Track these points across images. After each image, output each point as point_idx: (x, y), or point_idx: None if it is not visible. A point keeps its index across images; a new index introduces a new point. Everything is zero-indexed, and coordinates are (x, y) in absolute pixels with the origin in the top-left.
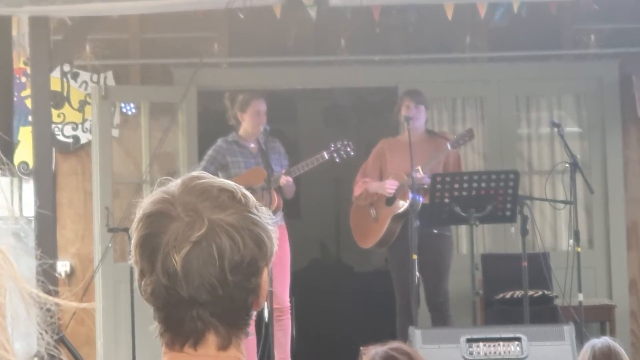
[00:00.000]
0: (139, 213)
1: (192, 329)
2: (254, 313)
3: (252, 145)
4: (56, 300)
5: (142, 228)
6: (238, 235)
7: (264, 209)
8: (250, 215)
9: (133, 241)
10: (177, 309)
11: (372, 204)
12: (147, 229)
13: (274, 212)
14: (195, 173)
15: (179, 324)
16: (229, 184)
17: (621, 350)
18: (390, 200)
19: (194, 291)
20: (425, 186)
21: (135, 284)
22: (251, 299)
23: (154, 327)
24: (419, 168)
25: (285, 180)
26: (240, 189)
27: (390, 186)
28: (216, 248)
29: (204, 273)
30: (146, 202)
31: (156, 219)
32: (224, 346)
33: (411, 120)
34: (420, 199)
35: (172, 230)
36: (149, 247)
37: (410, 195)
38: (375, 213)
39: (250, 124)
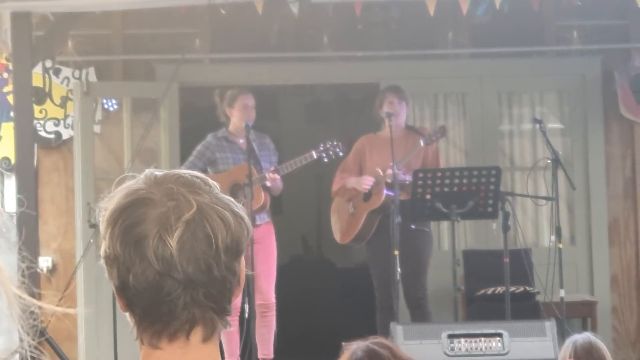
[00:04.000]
0: (108, 210)
1: (186, 318)
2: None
3: (242, 141)
4: (39, 303)
5: (121, 221)
6: (226, 213)
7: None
8: (224, 197)
9: (110, 236)
10: (169, 297)
11: (350, 200)
12: (127, 220)
13: (261, 210)
14: (153, 170)
15: (169, 315)
16: (197, 172)
17: (602, 346)
18: (367, 196)
19: (191, 273)
20: (407, 182)
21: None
22: (235, 285)
23: (131, 329)
24: (396, 164)
25: (272, 178)
26: (208, 178)
27: (366, 182)
28: (210, 227)
29: (199, 253)
30: (114, 199)
31: (135, 209)
32: (208, 337)
33: (393, 116)
34: (395, 196)
35: (157, 215)
36: (134, 237)
37: (384, 191)
38: (353, 208)
39: (238, 118)
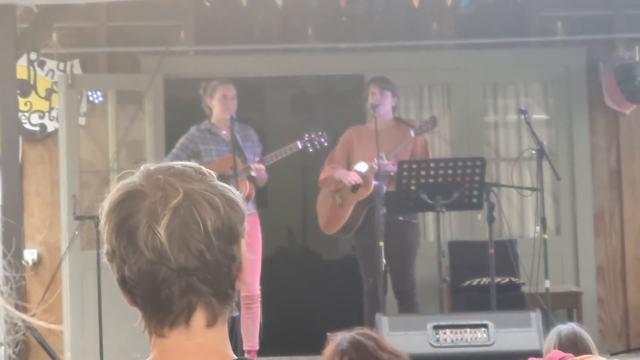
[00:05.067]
0: (105, 207)
1: (184, 304)
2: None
3: (225, 132)
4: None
5: (114, 215)
6: (215, 198)
7: (232, 188)
8: (218, 184)
9: (106, 231)
10: (165, 284)
11: (337, 191)
12: (120, 214)
13: (246, 201)
14: (149, 164)
15: (168, 302)
16: (191, 162)
17: (587, 336)
18: (355, 187)
19: (183, 260)
20: (392, 173)
21: (103, 272)
22: (235, 270)
23: (139, 322)
24: (383, 155)
25: (257, 169)
26: (203, 167)
27: (352, 178)
28: (197, 212)
29: (189, 239)
30: (109, 196)
31: (127, 202)
32: (212, 322)
33: (377, 107)
34: (384, 186)
35: (146, 206)
36: (127, 230)
37: (373, 182)
38: (340, 199)
39: (218, 108)
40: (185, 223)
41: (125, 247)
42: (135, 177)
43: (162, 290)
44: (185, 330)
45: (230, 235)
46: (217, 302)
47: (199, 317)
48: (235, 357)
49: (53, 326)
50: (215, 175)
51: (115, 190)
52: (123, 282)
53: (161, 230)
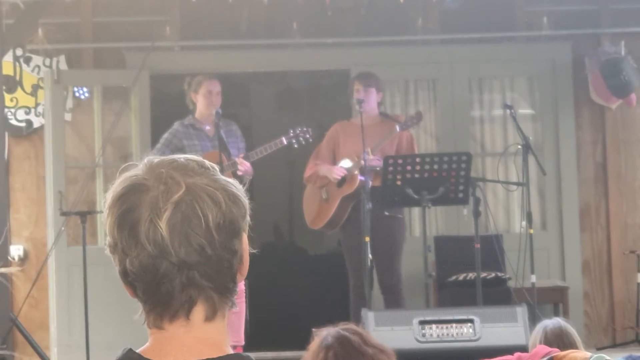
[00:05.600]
0: (108, 200)
1: (184, 299)
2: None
3: (208, 127)
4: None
5: (117, 208)
6: (217, 193)
7: (235, 181)
8: (221, 178)
9: (108, 224)
10: (166, 278)
11: (323, 186)
12: (122, 207)
13: None
14: (152, 157)
15: (168, 296)
16: (193, 155)
17: (573, 331)
18: (341, 182)
19: (183, 254)
20: (378, 168)
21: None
22: (236, 264)
23: (139, 314)
24: (369, 150)
25: (243, 164)
26: (205, 161)
27: (337, 173)
28: (199, 207)
29: (190, 234)
30: (113, 188)
31: (129, 196)
32: (211, 316)
33: (362, 102)
34: (369, 182)
35: (148, 200)
36: (129, 223)
37: (359, 177)
38: (326, 194)
39: (203, 104)
40: (186, 217)
41: (127, 241)
42: (138, 170)
43: (162, 284)
44: (185, 323)
45: (232, 229)
46: (217, 296)
47: (199, 311)
48: (232, 352)
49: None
50: (217, 169)
51: (118, 182)
52: (125, 274)
53: (163, 224)
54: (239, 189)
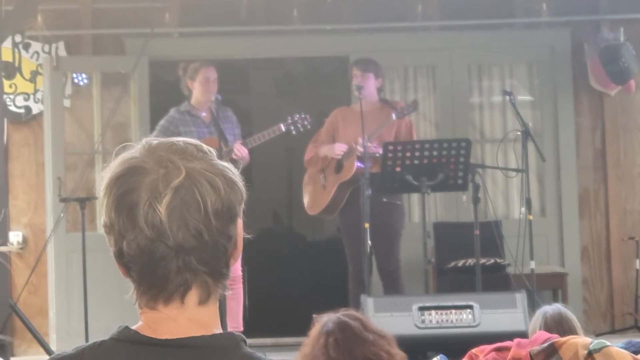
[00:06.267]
0: (105, 179)
1: (179, 282)
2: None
3: (204, 114)
4: None
5: (115, 189)
6: (216, 179)
7: (231, 166)
8: (218, 163)
9: (106, 205)
10: (162, 262)
11: (322, 170)
12: (121, 188)
13: None
14: (150, 138)
15: (164, 279)
16: (191, 139)
17: (572, 317)
18: (339, 167)
19: (181, 239)
20: (377, 155)
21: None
22: (231, 248)
23: (130, 294)
24: (366, 137)
25: (240, 151)
26: (203, 144)
27: (339, 149)
28: (198, 192)
29: (188, 219)
30: (111, 168)
31: (129, 177)
32: (204, 300)
33: (362, 88)
34: (368, 168)
35: (148, 183)
36: (127, 205)
37: (356, 164)
38: (324, 180)
39: (199, 91)
40: (185, 203)
41: (125, 222)
42: (136, 152)
43: (159, 267)
44: (179, 305)
45: (229, 215)
46: (211, 280)
47: (193, 295)
48: (221, 332)
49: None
50: (214, 153)
51: (116, 163)
52: (120, 255)
53: (162, 208)
54: (235, 174)
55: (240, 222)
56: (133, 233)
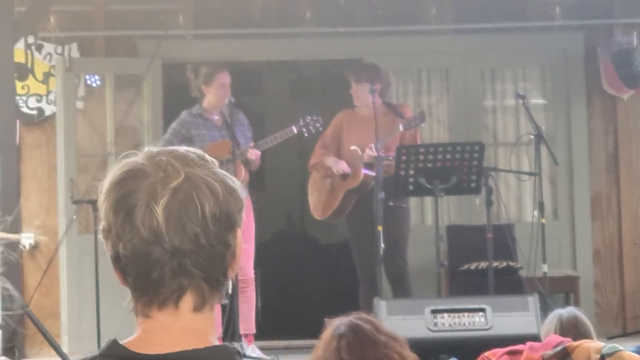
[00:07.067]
0: (106, 184)
1: (174, 287)
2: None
3: (217, 117)
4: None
5: (114, 192)
6: (215, 184)
7: (233, 177)
8: (219, 171)
9: (105, 207)
10: (157, 264)
11: (328, 176)
12: (120, 191)
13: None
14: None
15: (159, 283)
16: (194, 149)
17: (587, 320)
18: (344, 175)
19: (178, 241)
20: (390, 158)
21: (100, 256)
22: (229, 257)
23: (127, 301)
24: (372, 146)
25: (254, 154)
26: (205, 154)
27: (342, 167)
28: (196, 196)
29: (186, 222)
30: (112, 173)
31: (128, 181)
32: (200, 307)
33: (375, 91)
34: (380, 171)
35: (146, 186)
36: (125, 208)
37: (363, 171)
38: (330, 184)
39: (215, 97)
40: (183, 205)
41: (122, 225)
42: (138, 157)
43: (154, 270)
44: (173, 311)
45: (227, 222)
46: (207, 287)
47: (188, 301)
48: (216, 344)
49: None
50: (217, 163)
51: (117, 168)
52: (117, 259)
53: (159, 210)
54: (236, 183)
55: (239, 232)
56: (130, 235)
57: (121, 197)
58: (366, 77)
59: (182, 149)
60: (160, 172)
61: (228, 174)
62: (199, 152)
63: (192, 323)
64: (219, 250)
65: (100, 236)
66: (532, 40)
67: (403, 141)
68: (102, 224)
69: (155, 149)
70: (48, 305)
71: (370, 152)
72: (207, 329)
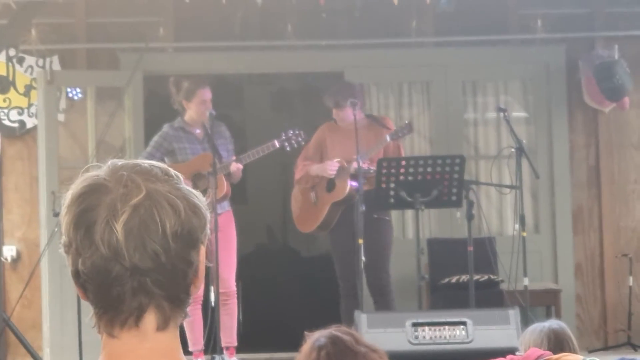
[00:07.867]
0: (67, 197)
1: (134, 305)
2: (192, 297)
3: (198, 131)
4: None
5: (75, 206)
6: (177, 201)
7: (198, 193)
8: (184, 187)
9: (65, 222)
10: (117, 282)
11: (313, 187)
12: (81, 206)
13: (224, 198)
14: (116, 160)
15: (119, 300)
16: (159, 163)
17: (571, 334)
18: (331, 186)
19: (137, 259)
20: (372, 171)
21: None
22: (191, 275)
23: (89, 317)
24: (359, 159)
25: (236, 167)
26: (170, 169)
27: (331, 167)
28: (157, 213)
29: (146, 239)
30: (74, 187)
31: (89, 195)
32: (163, 326)
33: (356, 104)
34: (362, 184)
35: (107, 202)
36: (85, 223)
37: (349, 183)
38: (315, 197)
39: (196, 112)
40: (144, 222)
41: (82, 240)
42: (100, 171)
43: (113, 288)
44: (136, 332)
45: (190, 239)
46: (168, 305)
47: (150, 320)
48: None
49: None
50: (182, 178)
51: (79, 181)
52: (77, 275)
53: (118, 227)
54: (200, 200)
55: (203, 249)
56: (89, 251)
57: (81, 212)
58: (344, 102)
59: (147, 163)
60: (121, 188)
61: (193, 191)
62: (164, 166)
63: (158, 344)
64: (181, 268)
65: (60, 250)
66: (513, 53)
67: (387, 153)
68: (62, 239)
69: (119, 163)
70: (30, 317)
71: (355, 165)
72: (175, 348)
